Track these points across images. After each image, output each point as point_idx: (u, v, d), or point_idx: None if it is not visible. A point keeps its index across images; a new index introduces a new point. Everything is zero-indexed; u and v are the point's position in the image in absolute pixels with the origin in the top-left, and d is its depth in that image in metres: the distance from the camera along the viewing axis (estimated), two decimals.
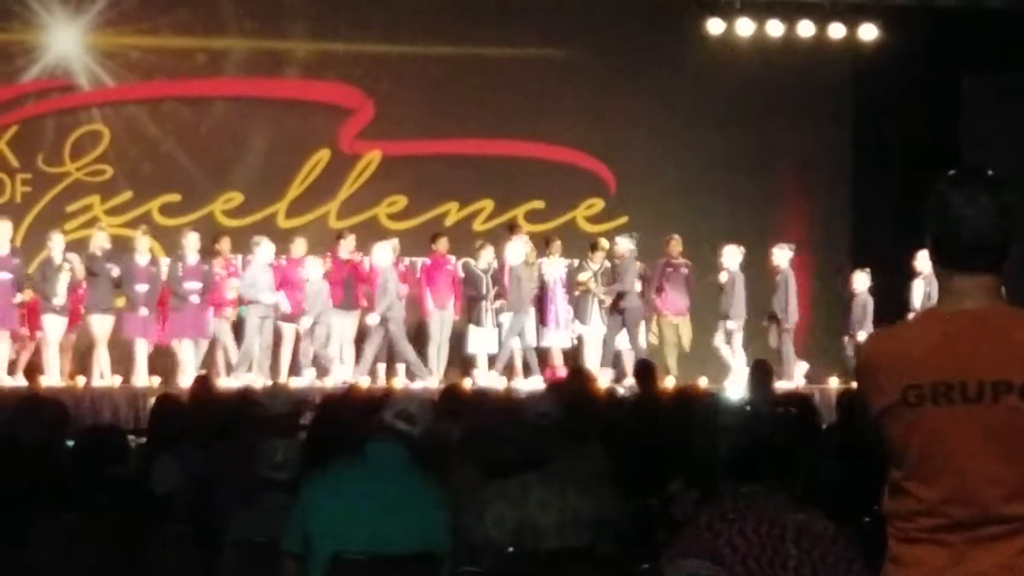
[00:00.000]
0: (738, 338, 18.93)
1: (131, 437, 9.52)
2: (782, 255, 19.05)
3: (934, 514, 3.30)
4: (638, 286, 18.66)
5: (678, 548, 4.37)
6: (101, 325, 17.10)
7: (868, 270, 19.21)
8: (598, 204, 20.94)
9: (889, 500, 3.40)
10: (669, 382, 16.83)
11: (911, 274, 18.71)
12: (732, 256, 18.97)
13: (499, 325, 18.54)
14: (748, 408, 4.85)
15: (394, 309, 17.94)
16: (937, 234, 3.40)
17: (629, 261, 18.51)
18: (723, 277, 18.89)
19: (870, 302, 18.97)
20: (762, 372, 12.98)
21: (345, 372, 17.84)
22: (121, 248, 17.74)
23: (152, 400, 15.37)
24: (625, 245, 18.62)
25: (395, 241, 18.64)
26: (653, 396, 11.49)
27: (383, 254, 18.09)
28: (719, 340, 18.91)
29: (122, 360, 17.53)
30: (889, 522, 3.39)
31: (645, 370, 12.52)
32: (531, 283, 18.54)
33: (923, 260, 18.47)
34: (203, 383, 11.56)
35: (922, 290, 18.58)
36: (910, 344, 3.39)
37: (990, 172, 3.44)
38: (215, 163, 20.07)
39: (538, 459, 6.25)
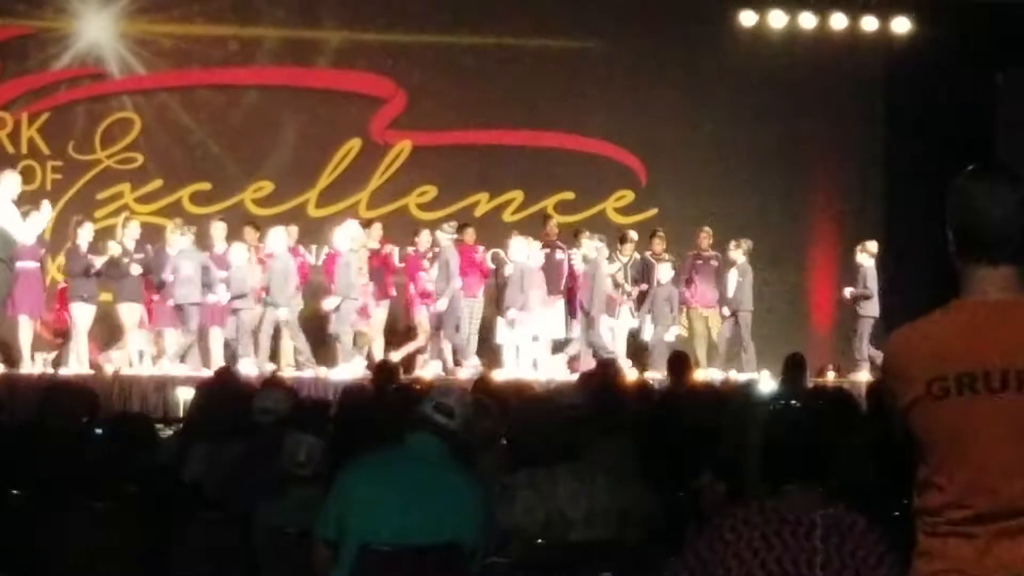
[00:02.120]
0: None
1: (159, 426, 9.51)
2: (591, 245, 18.54)
3: (959, 506, 3.29)
4: (459, 282, 17.85)
5: (683, 559, 4.32)
6: (130, 314, 17.09)
7: (670, 262, 18.98)
8: (628, 196, 20.90)
9: (918, 496, 3.40)
10: (699, 374, 16.76)
11: (727, 263, 19.03)
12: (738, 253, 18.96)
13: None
14: (782, 403, 4.77)
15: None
16: (958, 227, 3.43)
17: (449, 251, 17.93)
18: (509, 269, 18.48)
19: (675, 294, 18.89)
20: (795, 366, 12.85)
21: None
22: (151, 236, 17.73)
23: (179, 389, 15.55)
24: (442, 236, 18.07)
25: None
26: (684, 388, 11.42)
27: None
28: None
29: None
30: (918, 517, 3.39)
31: (678, 362, 12.42)
32: (361, 269, 17.72)
33: (736, 251, 18.60)
34: (225, 373, 11.55)
35: (735, 280, 18.91)
36: (933, 337, 3.39)
37: (1008, 167, 3.47)
38: (246, 152, 20.08)
39: (568, 451, 6.23)
